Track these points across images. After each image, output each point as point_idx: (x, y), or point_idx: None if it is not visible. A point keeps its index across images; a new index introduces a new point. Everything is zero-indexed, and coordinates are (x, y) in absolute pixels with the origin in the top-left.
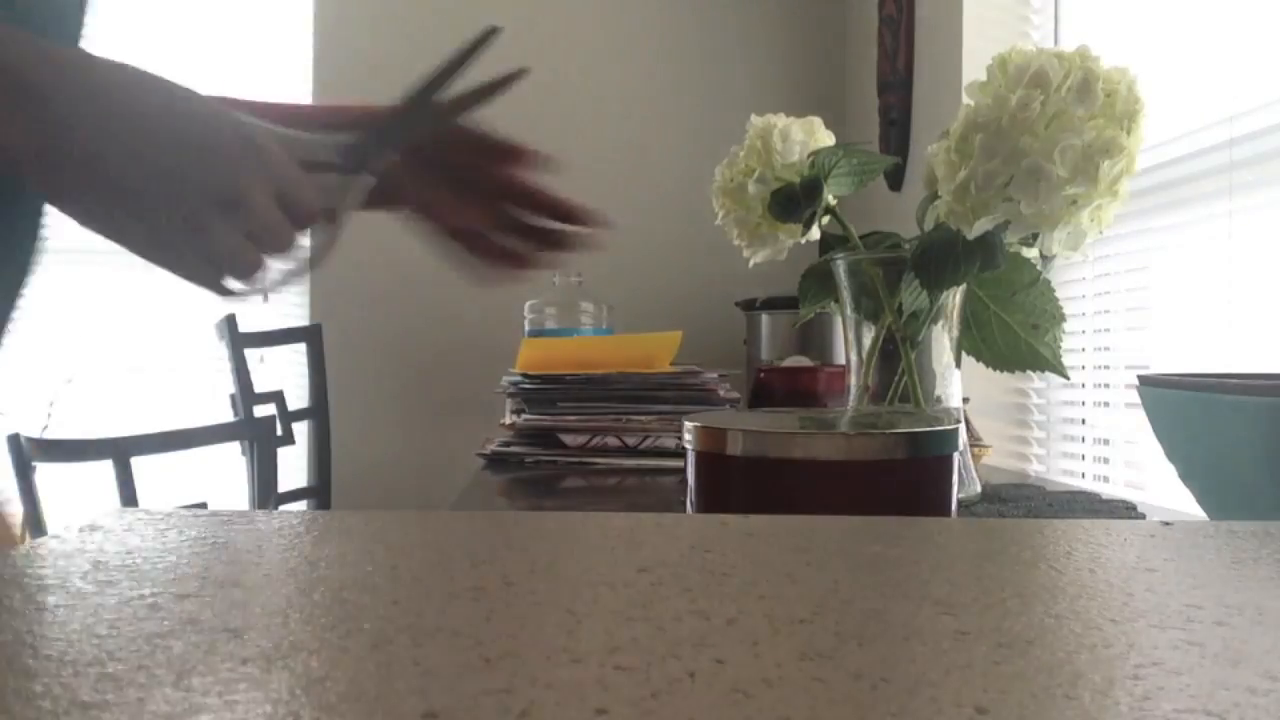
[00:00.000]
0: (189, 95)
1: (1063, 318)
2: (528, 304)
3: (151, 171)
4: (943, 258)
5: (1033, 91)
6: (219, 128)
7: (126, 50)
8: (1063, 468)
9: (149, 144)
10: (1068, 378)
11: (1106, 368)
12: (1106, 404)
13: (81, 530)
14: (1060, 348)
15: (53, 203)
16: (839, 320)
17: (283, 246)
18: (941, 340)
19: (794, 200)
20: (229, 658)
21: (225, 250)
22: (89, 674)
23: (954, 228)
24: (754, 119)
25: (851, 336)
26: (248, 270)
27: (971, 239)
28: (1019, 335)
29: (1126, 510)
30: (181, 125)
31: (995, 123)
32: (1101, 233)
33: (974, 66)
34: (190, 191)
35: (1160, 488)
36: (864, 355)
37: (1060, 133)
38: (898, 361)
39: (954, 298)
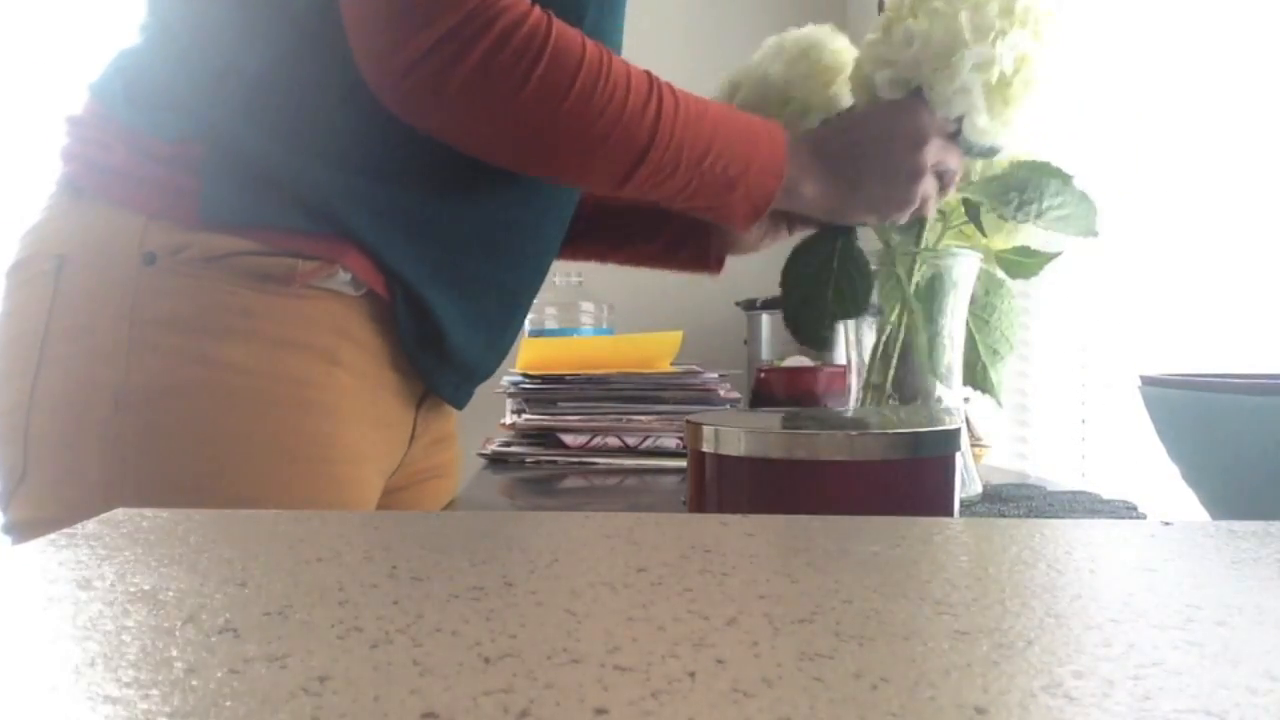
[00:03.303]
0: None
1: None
2: None
3: (875, 166)
4: None
5: None
6: (893, 112)
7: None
8: (1063, 468)
9: (869, 152)
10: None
11: (1107, 367)
12: (1107, 404)
13: (84, 530)
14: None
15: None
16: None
17: (949, 183)
18: (942, 340)
19: None
20: (229, 658)
21: (921, 195)
22: (90, 674)
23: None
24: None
25: (852, 336)
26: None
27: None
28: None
29: (1126, 510)
30: (873, 126)
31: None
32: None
33: None
34: (895, 164)
35: (1161, 488)
36: (864, 355)
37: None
38: (898, 361)
39: (956, 298)
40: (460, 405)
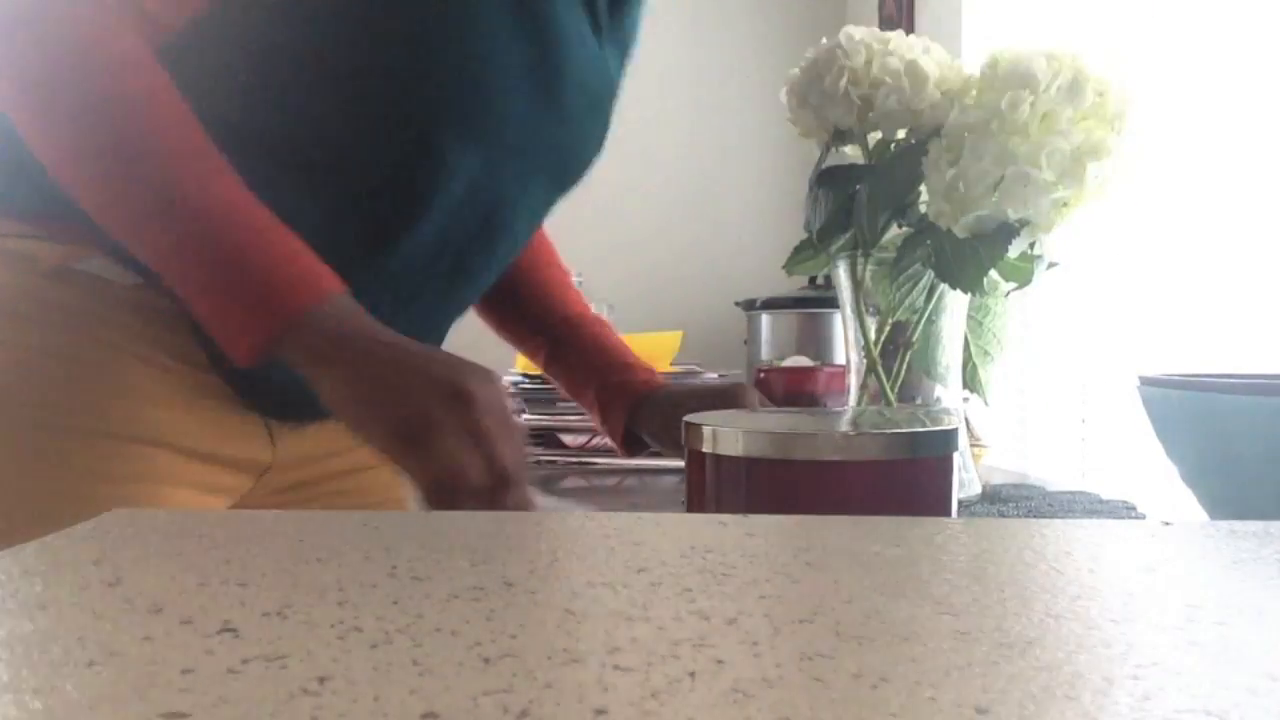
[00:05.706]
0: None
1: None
2: None
3: (389, 378)
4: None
5: (1021, 92)
6: (434, 353)
7: None
8: (1063, 468)
9: (387, 357)
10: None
11: (1107, 367)
12: (1107, 404)
13: (83, 530)
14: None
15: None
16: (839, 320)
17: (499, 461)
18: (941, 340)
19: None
20: (229, 658)
21: (447, 451)
22: (89, 674)
23: (943, 228)
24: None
25: (852, 336)
26: (463, 478)
27: (961, 237)
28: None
29: (1126, 510)
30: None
31: (984, 124)
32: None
33: (974, 67)
34: (418, 387)
35: (1161, 488)
36: (864, 355)
37: (1049, 135)
38: (898, 361)
39: (956, 298)
40: (301, 420)
